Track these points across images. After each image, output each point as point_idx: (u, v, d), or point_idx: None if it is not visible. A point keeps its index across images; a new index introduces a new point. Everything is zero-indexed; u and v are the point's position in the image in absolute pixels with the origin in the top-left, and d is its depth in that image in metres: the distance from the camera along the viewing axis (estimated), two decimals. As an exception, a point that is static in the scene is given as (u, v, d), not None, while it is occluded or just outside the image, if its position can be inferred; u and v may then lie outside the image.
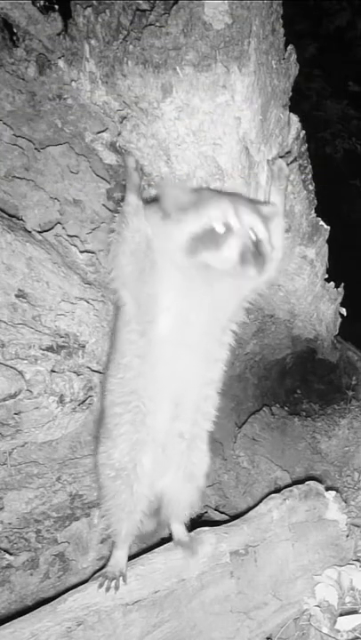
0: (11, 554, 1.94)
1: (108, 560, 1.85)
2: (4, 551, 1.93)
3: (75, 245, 1.98)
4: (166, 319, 1.71)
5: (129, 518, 1.82)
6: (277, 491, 2.23)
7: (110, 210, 2.09)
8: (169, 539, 2.01)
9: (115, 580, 1.72)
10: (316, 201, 2.29)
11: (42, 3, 1.87)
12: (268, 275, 1.84)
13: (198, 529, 1.99)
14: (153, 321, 1.71)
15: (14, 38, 1.95)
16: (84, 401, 1.96)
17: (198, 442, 1.92)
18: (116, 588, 1.70)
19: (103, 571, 1.79)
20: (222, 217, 1.59)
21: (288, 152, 1.96)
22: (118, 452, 1.79)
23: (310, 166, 2.16)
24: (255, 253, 1.59)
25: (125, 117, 1.79)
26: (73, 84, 1.85)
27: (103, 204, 2.08)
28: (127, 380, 1.77)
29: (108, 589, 1.69)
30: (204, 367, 1.85)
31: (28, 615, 1.60)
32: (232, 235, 1.58)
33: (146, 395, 1.76)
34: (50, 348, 1.82)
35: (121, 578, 1.73)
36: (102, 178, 2.06)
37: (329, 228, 2.43)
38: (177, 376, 1.78)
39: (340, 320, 2.95)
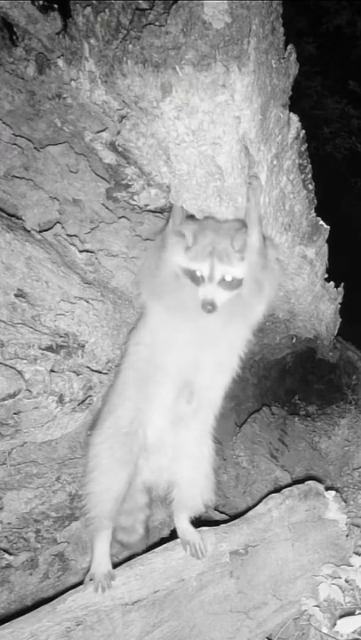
0: (10, 554, 1.94)
1: (90, 562, 1.82)
2: (4, 551, 1.93)
3: (74, 245, 1.98)
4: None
5: (115, 493, 1.80)
6: (277, 490, 2.22)
7: (110, 209, 2.09)
8: (169, 538, 2.01)
9: (101, 583, 1.70)
10: (316, 201, 2.28)
11: (41, 2, 1.87)
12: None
13: (198, 529, 1.98)
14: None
15: (14, 37, 1.95)
16: (84, 401, 1.96)
17: (203, 415, 1.93)
18: (106, 587, 1.69)
19: (90, 573, 1.77)
20: None
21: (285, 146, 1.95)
22: (122, 409, 1.85)
23: (310, 166, 2.15)
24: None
25: (125, 117, 1.78)
26: (72, 83, 1.85)
27: (102, 204, 2.08)
28: (144, 347, 1.88)
29: (97, 590, 1.68)
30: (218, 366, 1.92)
31: (27, 615, 1.60)
32: None
33: (158, 365, 1.85)
34: (49, 348, 1.81)
35: (110, 578, 1.72)
36: (102, 177, 2.06)
37: (329, 227, 2.42)
38: (189, 363, 1.86)
39: (340, 320, 2.94)
